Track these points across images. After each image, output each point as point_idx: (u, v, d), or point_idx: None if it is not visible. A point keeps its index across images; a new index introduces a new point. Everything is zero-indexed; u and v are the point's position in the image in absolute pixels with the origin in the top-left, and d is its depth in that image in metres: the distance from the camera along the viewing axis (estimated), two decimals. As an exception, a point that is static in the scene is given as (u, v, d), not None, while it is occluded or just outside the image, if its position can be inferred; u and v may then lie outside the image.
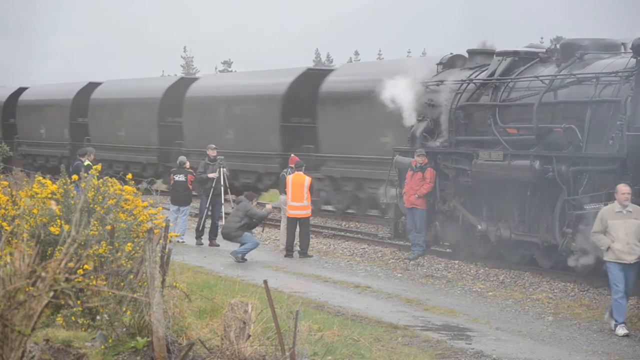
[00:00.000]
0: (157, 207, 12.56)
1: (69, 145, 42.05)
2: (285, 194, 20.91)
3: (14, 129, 47.56)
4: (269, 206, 20.77)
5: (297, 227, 20.43)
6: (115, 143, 39.06)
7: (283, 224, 21.30)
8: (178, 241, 21.11)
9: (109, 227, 10.84)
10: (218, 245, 21.45)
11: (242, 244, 19.42)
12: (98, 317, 9.89)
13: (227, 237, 19.72)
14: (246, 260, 19.34)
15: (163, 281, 9.64)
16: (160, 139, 36.68)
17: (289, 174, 20.84)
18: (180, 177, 22.25)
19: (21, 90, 48.03)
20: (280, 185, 21.67)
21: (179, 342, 9.20)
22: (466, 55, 21.09)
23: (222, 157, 22.84)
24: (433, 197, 19.98)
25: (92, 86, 42.40)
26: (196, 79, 39.18)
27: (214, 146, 22.56)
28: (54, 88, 47.29)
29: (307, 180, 20.38)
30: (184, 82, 37.65)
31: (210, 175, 21.61)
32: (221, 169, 21.75)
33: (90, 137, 40.81)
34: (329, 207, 29.73)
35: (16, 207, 11.50)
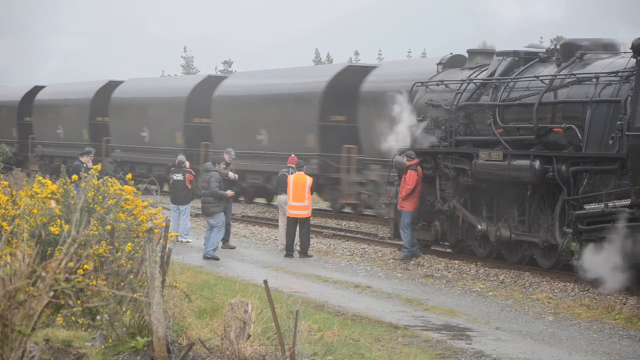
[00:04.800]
0: (157, 207, 12.56)
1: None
2: (285, 193, 20.90)
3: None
4: (229, 192, 20.31)
5: (297, 227, 20.43)
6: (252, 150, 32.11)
7: (282, 224, 21.29)
8: (181, 241, 21.13)
9: (109, 227, 10.84)
10: (234, 248, 21.21)
11: (213, 228, 19.58)
12: (98, 317, 9.90)
13: (206, 210, 19.85)
14: (218, 258, 19.39)
15: (163, 281, 9.64)
16: (321, 144, 29.09)
17: (290, 173, 20.84)
18: (178, 177, 22.25)
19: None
20: (279, 185, 21.63)
21: (179, 342, 9.21)
22: (466, 55, 21.10)
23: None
24: (433, 198, 19.99)
25: (212, 79, 36.86)
26: (373, 67, 29.74)
27: (232, 151, 22.42)
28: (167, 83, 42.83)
29: (309, 180, 20.39)
30: (357, 71, 29.33)
31: (230, 174, 20.89)
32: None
33: (212, 142, 34.50)
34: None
35: (16, 207, 11.50)
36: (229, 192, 20.23)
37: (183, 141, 35.05)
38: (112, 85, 41.28)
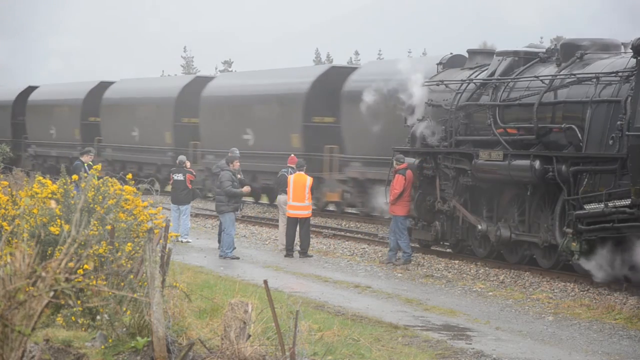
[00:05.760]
0: (157, 207, 12.56)
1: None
2: (285, 193, 20.91)
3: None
4: (246, 188, 20.30)
5: (297, 227, 20.44)
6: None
7: (282, 224, 21.30)
8: (181, 241, 21.16)
9: (109, 227, 10.84)
10: (234, 248, 21.16)
11: (222, 229, 19.79)
12: (98, 317, 9.89)
13: (217, 209, 20.05)
14: (238, 258, 19.64)
15: (163, 281, 9.64)
16: None
17: (290, 174, 20.85)
18: (179, 177, 22.32)
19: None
20: (279, 185, 21.63)
21: (179, 342, 9.20)
22: (466, 55, 21.08)
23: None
24: (433, 198, 19.98)
25: (338, 71, 30.03)
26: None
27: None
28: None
29: (309, 180, 20.39)
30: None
31: (245, 189, 20.20)
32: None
33: (341, 145, 29.09)
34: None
35: (16, 207, 11.50)
36: (246, 188, 20.18)
37: (301, 144, 29.21)
38: (200, 81, 36.26)
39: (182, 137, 35.25)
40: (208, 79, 35.62)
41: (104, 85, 41.55)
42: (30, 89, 47.00)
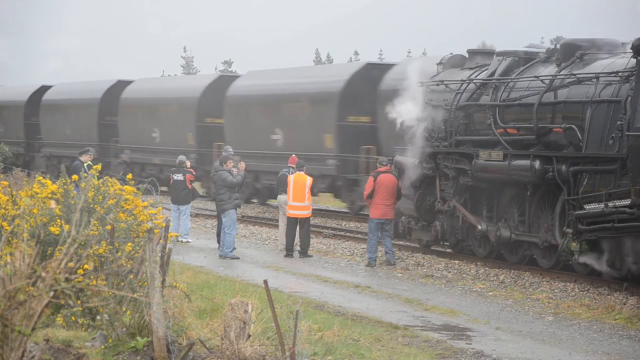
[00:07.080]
0: (157, 207, 12.56)
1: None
2: (285, 193, 20.91)
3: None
4: (242, 165, 20.31)
5: (297, 227, 20.44)
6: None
7: (282, 224, 21.30)
8: (181, 241, 21.16)
9: (109, 227, 10.85)
10: (234, 248, 21.15)
11: (224, 227, 19.81)
12: (98, 317, 9.90)
13: (219, 208, 20.10)
14: (238, 258, 19.67)
15: (163, 281, 9.65)
16: None
17: (291, 173, 20.85)
18: (179, 177, 22.32)
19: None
20: (279, 185, 21.63)
21: (179, 342, 9.21)
22: (466, 55, 21.08)
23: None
24: (433, 198, 19.98)
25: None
26: None
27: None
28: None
29: (309, 180, 20.39)
30: None
31: (240, 165, 20.14)
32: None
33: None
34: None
35: (16, 207, 11.50)
36: (242, 164, 20.26)
37: None
38: (372, 69, 28.34)
39: (348, 140, 27.79)
40: (387, 66, 27.58)
41: (226, 79, 34.84)
42: (121, 83, 40.51)
